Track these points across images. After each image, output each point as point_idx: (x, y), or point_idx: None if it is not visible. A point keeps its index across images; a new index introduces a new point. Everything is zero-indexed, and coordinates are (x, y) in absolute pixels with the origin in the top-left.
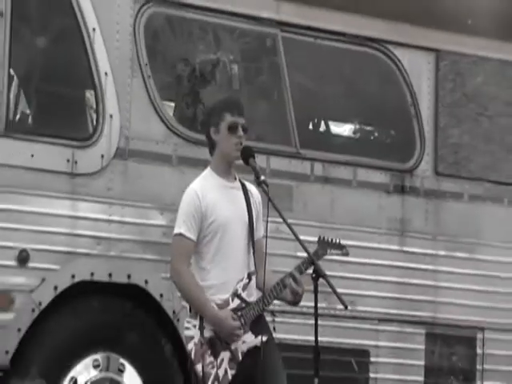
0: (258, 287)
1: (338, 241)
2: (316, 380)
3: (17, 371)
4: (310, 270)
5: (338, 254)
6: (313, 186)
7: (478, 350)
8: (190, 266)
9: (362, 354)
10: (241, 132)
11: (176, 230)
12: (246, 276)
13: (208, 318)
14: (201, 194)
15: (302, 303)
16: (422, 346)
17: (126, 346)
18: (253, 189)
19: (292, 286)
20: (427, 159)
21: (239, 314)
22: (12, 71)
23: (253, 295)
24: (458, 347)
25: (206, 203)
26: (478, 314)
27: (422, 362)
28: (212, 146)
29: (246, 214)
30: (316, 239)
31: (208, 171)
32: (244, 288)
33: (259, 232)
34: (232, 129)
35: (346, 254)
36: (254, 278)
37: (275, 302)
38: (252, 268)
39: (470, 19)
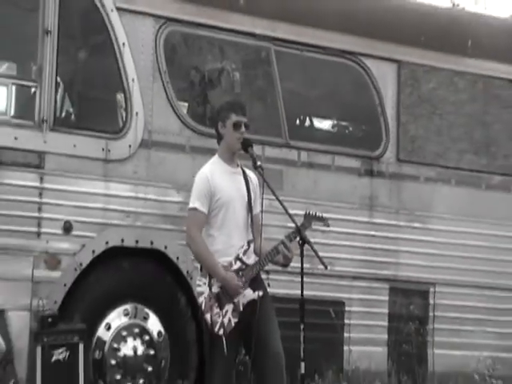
0: (255, 252)
1: (320, 215)
2: (302, 326)
3: (63, 318)
4: (298, 238)
5: (320, 226)
6: (299, 170)
7: (431, 301)
8: (201, 233)
9: (339, 304)
10: (243, 129)
11: (191, 205)
12: (246, 243)
13: (217, 277)
14: (210, 176)
15: (291, 264)
16: (386, 298)
17: (150, 299)
18: (251, 174)
19: (284, 252)
20: (391, 148)
21: (240, 274)
22: (59, 78)
23: (251, 259)
24: (415, 298)
25: (214, 184)
26: (430, 272)
27: (386, 311)
28: (219, 137)
29: (246, 194)
30: (302, 213)
31: (216, 158)
32: (244, 253)
33: (256, 208)
34: (236, 126)
35: (327, 226)
36: (252, 245)
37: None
38: (251, 237)
39: (423, 36)
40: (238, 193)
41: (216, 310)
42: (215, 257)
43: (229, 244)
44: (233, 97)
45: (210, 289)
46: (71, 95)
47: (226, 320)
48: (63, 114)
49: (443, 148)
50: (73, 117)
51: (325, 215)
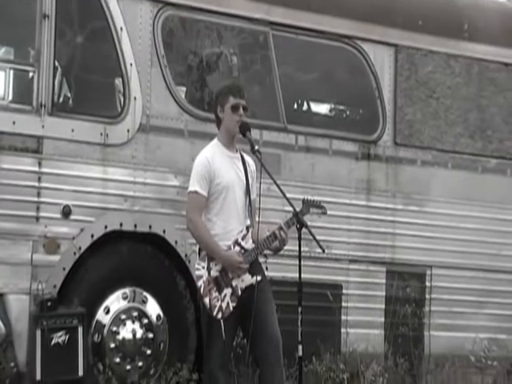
0: (252, 238)
1: (319, 202)
2: (299, 308)
3: (62, 301)
4: (296, 224)
5: (318, 213)
6: (297, 154)
7: (427, 283)
8: (201, 216)
9: (336, 287)
10: (241, 111)
11: (191, 188)
12: (244, 228)
13: (219, 256)
14: (211, 159)
15: (288, 247)
16: (383, 281)
17: (148, 282)
18: (249, 159)
19: (281, 237)
20: (388, 132)
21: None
22: (56, 63)
23: (250, 243)
24: (412, 281)
25: (215, 168)
26: (427, 255)
27: (383, 293)
28: (218, 121)
29: (244, 178)
30: (300, 197)
31: (215, 142)
32: (243, 238)
33: (254, 193)
34: (234, 109)
35: (325, 213)
36: (250, 229)
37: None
38: (249, 222)
39: (420, 20)
40: (237, 177)
41: (214, 293)
42: None
43: (227, 229)
44: (232, 80)
45: (209, 273)
46: (69, 80)
47: (224, 304)
48: (61, 99)
49: (440, 132)
50: (71, 101)
51: (322, 199)
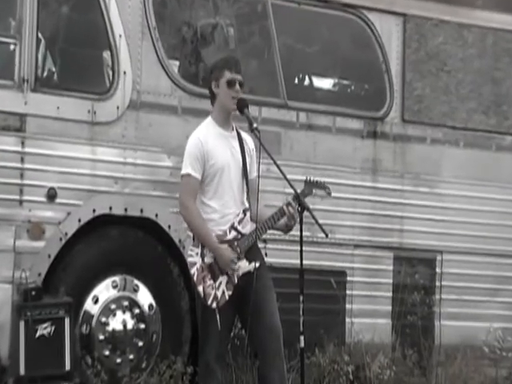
0: (252, 220)
1: (322, 182)
2: (301, 297)
3: (48, 290)
4: (297, 206)
5: (321, 193)
6: (298, 132)
7: (437, 270)
8: (195, 201)
9: (340, 274)
10: (238, 87)
11: (184, 171)
12: (241, 211)
13: (210, 247)
14: (203, 139)
15: (289, 233)
16: (391, 267)
17: (140, 270)
18: (247, 137)
19: (290, 212)
20: (395, 108)
21: (235, 243)
22: (40, 35)
23: (247, 228)
24: (421, 267)
25: (208, 148)
26: (437, 239)
27: (391, 281)
28: (213, 98)
29: (241, 159)
30: (302, 178)
31: (209, 120)
32: (240, 222)
33: (252, 174)
34: (230, 84)
35: (329, 194)
36: (248, 213)
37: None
38: (246, 205)
39: None
40: (233, 158)
41: (209, 281)
42: (209, 226)
43: (223, 212)
44: (227, 53)
45: (203, 259)
46: (54, 53)
47: (219, 292)
48: (45, 74)
49: (451, 107)
50: (56, 76)
51: (325, 180)
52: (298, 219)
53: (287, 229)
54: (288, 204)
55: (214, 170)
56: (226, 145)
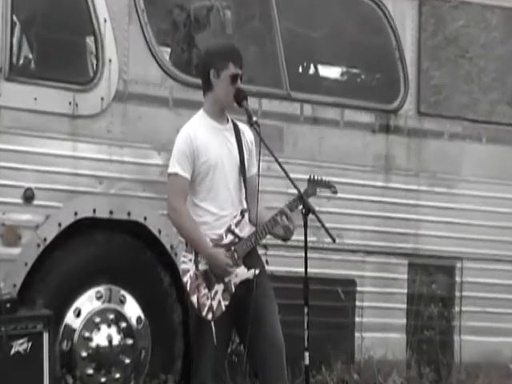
0: (251, 222)
1: (327, 180)
2: (306, 309)
3: (24, 302)
4: (300, 207)
5: (327, 192)
6: (302, 127)
7: (457, 279)
8: (186, 202)
9: (349, 283)
10: (240, 83)
11: (171, 170)
12: (239, 213)
13: (202, 253)
14: (193, 135)
15: (293, 237)
16: (405, 276)
17: (127, 279)
18: (245, 129)
19: (284, 222)
20: (410, 100)
21: (232, 248)
22: (15, 17)
23: (245, 231)
24: (438, 276)
25: (198, 144)
26: (456, 244)
27: (405, 291)
28: (208, 87)
29: (238, 154)
30: (306, 177)
31: (201, 113)
32: (237, 224)
33: (251, 171)
34: (234, 79)
35: (335, 193)
36: (246, 214)
37: (268, 236)
38: (245, 205)
39: None
40: (227, 153)
41: (204, 290)
42: (203, 230)
43: (218, 215)
44: (224, 40)
45: (197, 266)
46: (31, 38)
47: (215, 303)
48: (21, 61)
49: (472, 98)
50: (33, 64)
51: (331, 179)
52: (294, 228)
53: (285, 238)
54: (281, 213)
55: (205, 167)
56: (219, 139)
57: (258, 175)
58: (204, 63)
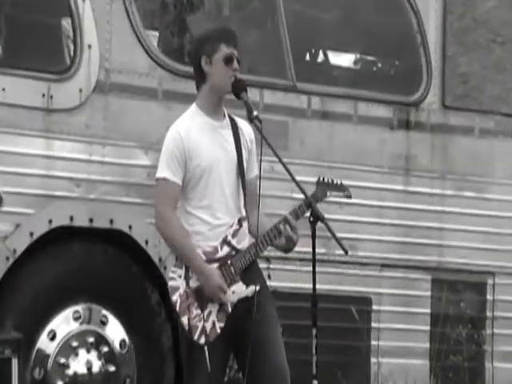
0: (250, 232)
1: (339, 182)
2: (314, 330)
3: None
4: (308, 214)
5: (339, 197)
6: (310, 122)
7: (488, 297)
8: (176, 210)
9: (364, 302)
10: (236, 64)
11: (159, 174)
12: (236, 222)
13: (194, 268)
14: (184, 133)
15: (298, 249)
16: (428, 293)
17: (109, 297)
18: (244, 125)
19: (287, 232)
20: (434, 91)
21: (229, 262)
22: None
23: (243, 242)
24: (467, 293)
25: (190, 144)
26: (488, 257)
27: (428, 310)
28: (201, 77)
29: (235, 154)
30: (313, 179)
31: (194, 108)
32: (234, 234)
33: (251, 172)
34: (228, 60)
35: (349, 197)
36: (245, 223)
37: (269, 248)
38: (243, 213)
39: None
40: (224, 154)
41: (195, 311)
42: (195, 241)
43: (213, 224)
44: (220, 23)
45: (188, 283)
46: None
47: (208, 325)
48: None
49: (506, 89)
50: (0, 50)
51: (345, 182)
52: (298, 238)
53: (287, 249)
54: (285, 221)
55: (198, 171)
56: (214, 137)
57: (259, 178)
58: (194, 52)
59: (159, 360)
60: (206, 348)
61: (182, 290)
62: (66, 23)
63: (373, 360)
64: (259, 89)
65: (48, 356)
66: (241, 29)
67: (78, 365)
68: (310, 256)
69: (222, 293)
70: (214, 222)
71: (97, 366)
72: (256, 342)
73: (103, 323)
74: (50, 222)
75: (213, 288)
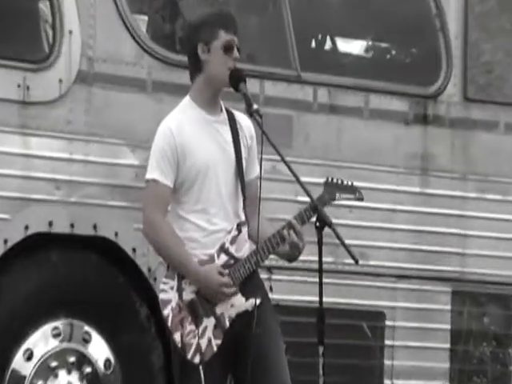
0: (250, 239)
1: (349, 183)
2: (321, 348)
3: None
4: (314, 218)
5: (349, 199)
6: (316, 116)
7: None
8: (167, 215)
9: (376, 316)
10: (237, 53)
11: (148, 176)
12: (234, 227)
13: (190, 274)
14: (176, 130)
15: (304, 257)
16: (448, 307)
17: (92, 311)
18: (243, 120)
19: (291, 239)
20: (454, 81)
21: (227, 272)
22: None
23: (243, 250)
24: (491, 307)
25: (183, 142)
26: None
27: (448, 326)
28: (197, 67)
29: (233, 152)
30: (320, 180)
31: (187, 102)
32: (232, 241)
33: (251, 172)
34: (228, 48)
35: (360, 199)
36: (244, 229)
37: (271, 256)
38: (242, 217)
39: None
40: (221, 152)
41: (189, 326)
42: (189, 249)
43: (209, 230)
44: (217, 7)
45: (180, 295)
46: None
47: (203, 341)
48: None
49: None
50: None
51: (355, 184)
52: (304, 245)
53: (291, 257)
54: (289, 226)
55: (193, 172)
56: (210, 133)
57: (260, 178)
58: (189, 39)
59: (148, 381)
60: (200, 368)
61: (174, 304)
62: (43, 6)
63: (386, 381)
64: (259, 79)
65: (24, 378)
66: (239, 13)
67: None
68: (316, 265)
69: (225, 288)
70: (209, 228)
71: None
72: (257, 359)
73: (86, 341)
74: (27, 228)
75: (214, 286)
